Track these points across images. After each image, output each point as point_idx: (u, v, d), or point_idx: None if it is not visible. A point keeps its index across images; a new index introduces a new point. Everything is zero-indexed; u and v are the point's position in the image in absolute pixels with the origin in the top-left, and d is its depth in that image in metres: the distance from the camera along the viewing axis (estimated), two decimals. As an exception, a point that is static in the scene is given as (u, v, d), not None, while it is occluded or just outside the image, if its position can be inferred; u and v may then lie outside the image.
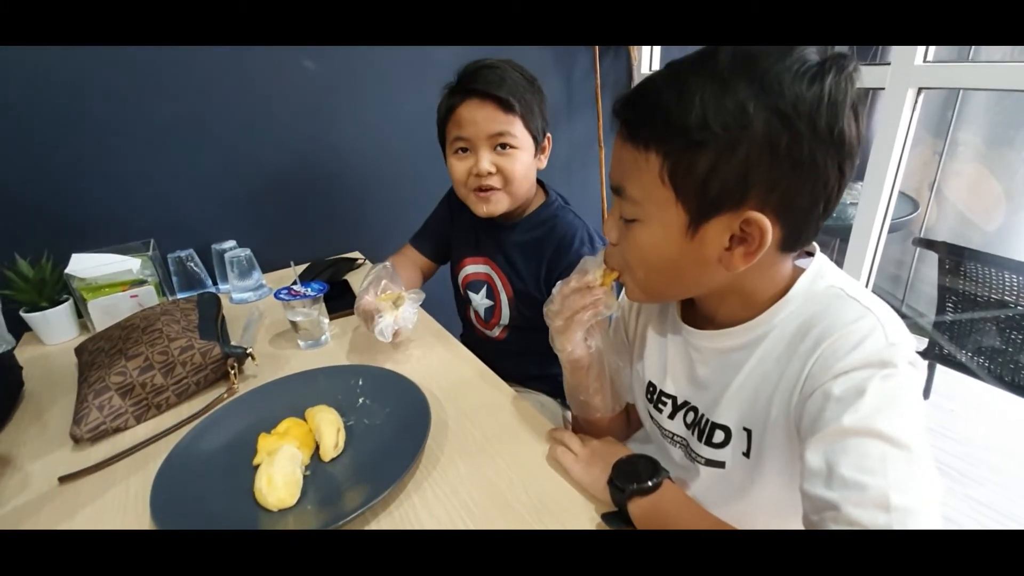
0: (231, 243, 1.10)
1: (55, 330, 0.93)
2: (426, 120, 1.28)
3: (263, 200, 1.17)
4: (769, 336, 0.47)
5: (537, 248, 0.85)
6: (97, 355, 0.74)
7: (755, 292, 0.48)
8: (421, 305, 0.95)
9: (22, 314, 0.91)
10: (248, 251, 1.06)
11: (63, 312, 0.93)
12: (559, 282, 0.57)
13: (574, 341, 0.58)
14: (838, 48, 0.41)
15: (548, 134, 0.84)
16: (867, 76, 1.03)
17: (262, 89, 1.10)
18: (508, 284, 0.89)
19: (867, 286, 1.18)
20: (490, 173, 0.80)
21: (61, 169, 0.98)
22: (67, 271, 0.91)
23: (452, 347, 0.85)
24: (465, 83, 0.80)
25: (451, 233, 0.98)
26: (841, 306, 0.44)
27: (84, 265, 0.93)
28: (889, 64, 1.01)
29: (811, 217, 0.43)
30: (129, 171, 1.03)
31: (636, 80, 1.55)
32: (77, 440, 0.64)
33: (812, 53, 0.40)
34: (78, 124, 0.97)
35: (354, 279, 1.14)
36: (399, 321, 0.77)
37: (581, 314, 0.56)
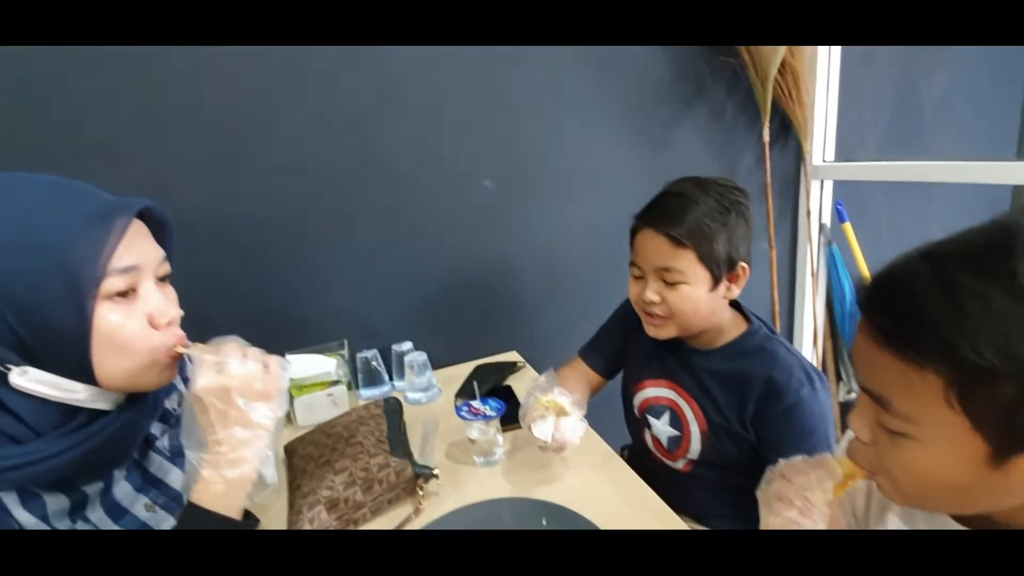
0: (408, 344, 1.20)
1: (268, 422, 1.07)
2: (590, 228, 1.34)
3: (435, 303, 1.27)
4: None
5: (742, 382, 0.78)
6: (307, 461, 0.83)
7: None
8: (591, 425, 0.93)
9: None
10: (424, 356, 1.13)
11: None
12: (784, 462, 0.52)
13: (770, 524, 0.51)
14: None
15: (744, 264, 0.79)
16: None
17: (443, 207, 1.21)
18: (701, 415, 0.82)
19: None
20: (654, 302, 0.78)
21: (281, 277, 1.15)
22: (283, 372, 1.05)
23: (623, 475, 0.82)
24: (646, 210, 0.80)
25: (626, 349, 0.96)
26: None
27: (296, 367, 1.06)
28: None
29: None
30: (333, 281, 1.18)
31: (808, 173, 1.45)
32: (292, 551, 0.70)
33: None
34: (301, 245, 1.14)
35: (515, 383, 1.16)
36: (560, 430, 0.76)
37: (787, 507, 0.50)
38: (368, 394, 1.17)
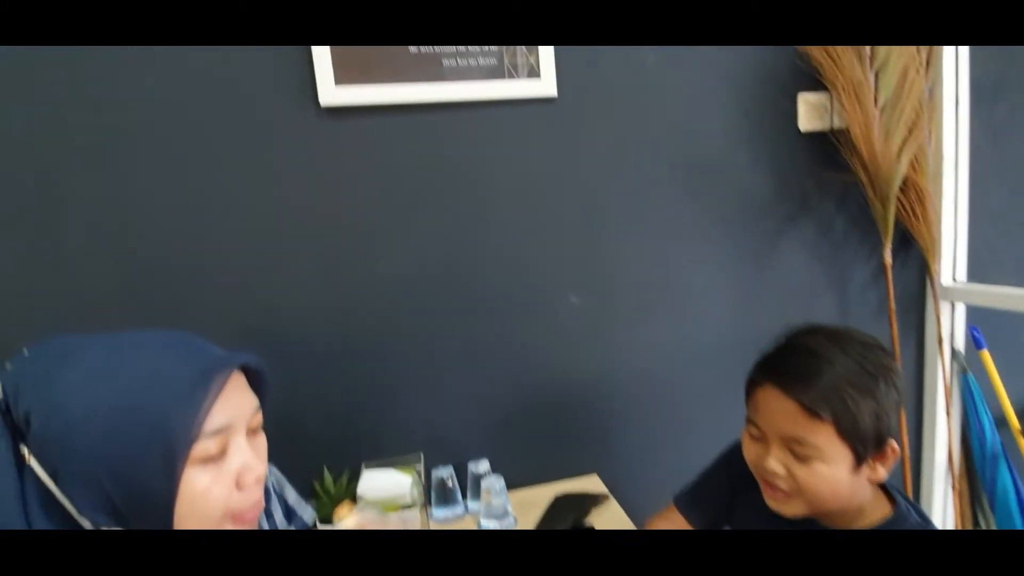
0: (485, 465, 1.14)
1: (338, 542, 1.03)
2: (681, 347, 1.24)
3: (515, 418, 1.21)
4: None
5: None
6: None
7: None
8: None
9: (318, 524, 1.02)
10: (502, 481, 1.07)
11: (348, 525, 1.03)
12: None
13: None
14: None
15: (892, 441, 0.66)
16: None
17: (527, 321, 1.18)
18: None
19: None
20: (779, 475, 0.67)
21: (361, 384, 1.15)
22: (359, 490, 1.01)
23: None
24: (769, 365, 0.70)
25: (734, 509, 0.83)
26: None
27: (372, 485, 1.02)
28: None
29: None
30: (412, 391, 1.16)
31: (937, 294, 1.29)
32: None
33: None
34: (383, 353, 1.14)
35: (598, 519, 1.06)
36: None
37: None
38: (441, 515, 1.11)
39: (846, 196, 1.27)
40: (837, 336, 0.68)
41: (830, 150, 1.23)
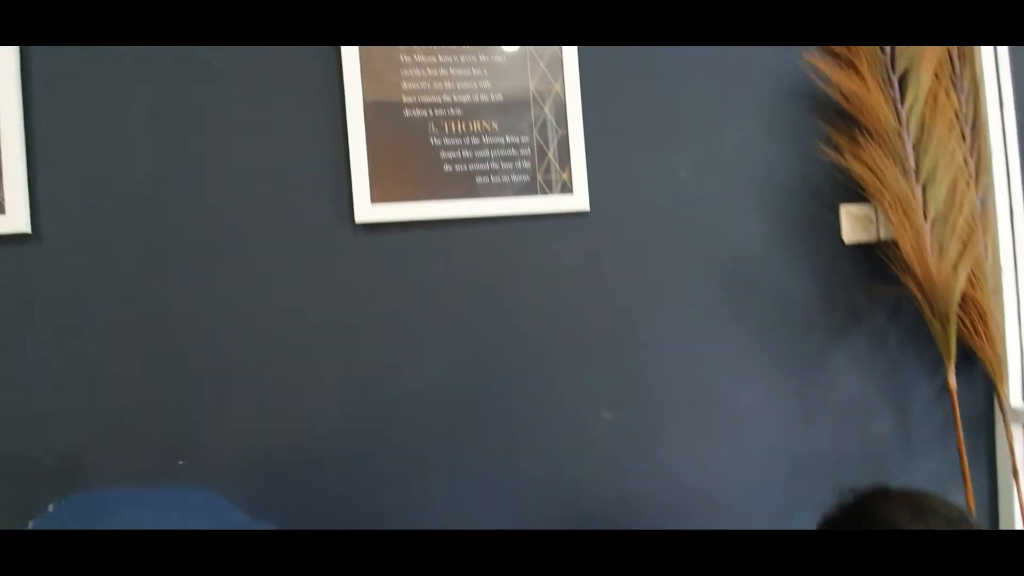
0: None
1: None
2: (723, 467, 1.14)
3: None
4: None
5: None
6: None
7: None
8: None
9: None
10: (529, 627, 0.97)
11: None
12: None
13: None
14: None
15: None
16: None
17: (556, 442, 1.12)
18: None
19: None
20: None
21: (386, 508, 1.08)
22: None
23: None
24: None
25: None
26: None
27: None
28: None
29: None
30: (440, 515, 1.09)
31: (1007, 417, 1.18)
32: None
33: None
34: (408, 475, 1.09)
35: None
36: None
37: None
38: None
39: (899, 309, 1.20)
40: (919, 509, 0.60)
41: (877, 262, 1.17)
